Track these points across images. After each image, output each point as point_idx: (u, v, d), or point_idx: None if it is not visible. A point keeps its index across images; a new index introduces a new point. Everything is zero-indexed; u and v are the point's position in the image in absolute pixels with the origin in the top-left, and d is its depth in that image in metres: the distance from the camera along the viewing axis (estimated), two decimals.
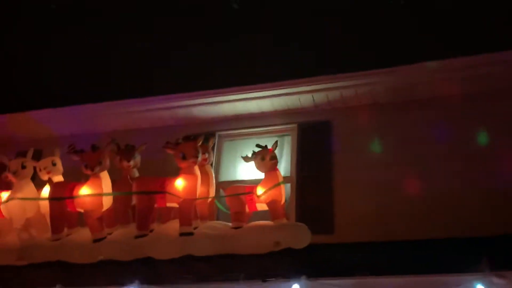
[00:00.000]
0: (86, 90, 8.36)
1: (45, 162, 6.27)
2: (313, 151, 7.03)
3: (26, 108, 8.20)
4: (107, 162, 5.72)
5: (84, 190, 5.68)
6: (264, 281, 4.38)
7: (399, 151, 6.66)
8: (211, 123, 7.68)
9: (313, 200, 6.59)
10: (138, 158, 6.13)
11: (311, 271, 4.37)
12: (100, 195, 5.62)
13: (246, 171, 7.29)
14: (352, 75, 6.95)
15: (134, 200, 5.76)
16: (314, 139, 7.11)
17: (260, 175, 7.12)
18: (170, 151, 5.68)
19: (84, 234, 5.82)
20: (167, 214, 5.93)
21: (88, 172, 5.62)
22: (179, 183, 5.64)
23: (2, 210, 6.04)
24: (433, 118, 6.70)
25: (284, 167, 7.04)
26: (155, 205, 5.70)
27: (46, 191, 6.20)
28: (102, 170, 5.66)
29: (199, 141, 5.71)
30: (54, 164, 6.30)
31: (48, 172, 6.26)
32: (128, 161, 6.02)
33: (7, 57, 9.07)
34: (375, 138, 6.90)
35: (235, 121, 7.61)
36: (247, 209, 5.82)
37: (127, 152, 6.04)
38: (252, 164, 7.28)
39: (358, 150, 6.89)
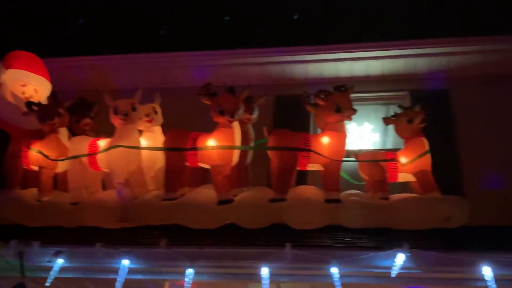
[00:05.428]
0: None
1: (146, 108, 5.23)
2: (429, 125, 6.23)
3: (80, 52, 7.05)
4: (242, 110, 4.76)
5: (212, 142, 4.70)
6: None
7: None
8: (303, 85, 6.78)
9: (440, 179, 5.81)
10: (257, 112, 5.27)
11: None
12: (234, 148, 4.67)
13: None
14: (483, 40, 6.23)
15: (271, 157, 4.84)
16: (429, 110, 6.31)
17: (360, 146, 6.42)
18: (321, 102, 4.79)
19: (200, 194, 4.86)
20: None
21: (224, 119, 4.63)
22: (326, 141, 4.77)
23: (99, 160, 4.97)
24: None
25: (393, 140, 6.29)
26: (296, 166, 4.81)
27: (142, 142, 5.19)
28: (239, 117, 4.71)
29: (350, 93, 4.89)
30: (155, 112, 5.30)
31: (150, 120, 5.24)
32: (251, 113, 5.14)
33: None
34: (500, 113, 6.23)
35: (335, 84, 6.71)
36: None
37: (248, 103, 5.13)
38: (366, 131, 6.56)
39: (482, 126, 6.19)
